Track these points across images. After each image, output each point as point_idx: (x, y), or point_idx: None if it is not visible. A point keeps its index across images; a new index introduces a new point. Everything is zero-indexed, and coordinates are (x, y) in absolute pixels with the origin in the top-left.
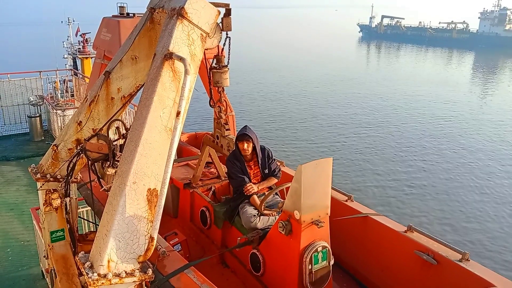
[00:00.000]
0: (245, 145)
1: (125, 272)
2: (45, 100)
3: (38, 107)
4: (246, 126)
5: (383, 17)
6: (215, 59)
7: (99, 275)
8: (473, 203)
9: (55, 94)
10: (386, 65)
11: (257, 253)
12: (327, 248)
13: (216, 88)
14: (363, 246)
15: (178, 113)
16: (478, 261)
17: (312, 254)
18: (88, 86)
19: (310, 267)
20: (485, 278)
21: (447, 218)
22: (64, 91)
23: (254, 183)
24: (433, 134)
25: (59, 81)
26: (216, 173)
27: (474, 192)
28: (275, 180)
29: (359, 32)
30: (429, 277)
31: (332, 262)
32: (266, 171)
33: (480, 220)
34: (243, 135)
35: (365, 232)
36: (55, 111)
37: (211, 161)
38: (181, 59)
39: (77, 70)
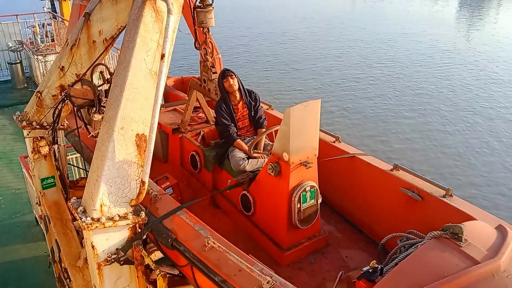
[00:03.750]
0: (231, 80)
1: (118, 215)
2: (24, 45)
3: (18, 53)
4: (224, 68)
5: None
6: None
7: (92, 219)
8: (459, 142)
9: (35, 39)
10: (373, 3)
11: (248, 194)
12: (315, 188)
13: (201, 29)
14: (350, 184)
15: (162, 56)
16: (461, 197)
17: (300, 194)
18: (68, 29)
19: (299, 206)
20: (467, 212)
21: (432, 157)
22: (44, 35)
23: (240, 127)
24: (420, 72)
25: (38, 25)
26: (205, 117)
27: (459, 130)
28: (263, 130)
29: None
30: (414, 213)
31: (320, 200)
32: (253, 113)
33: (465, 157)
34: (225, 71)
35: (352, 171)
36: (36, 57)
37: (199, 105)
38: None
39: (56, 13)
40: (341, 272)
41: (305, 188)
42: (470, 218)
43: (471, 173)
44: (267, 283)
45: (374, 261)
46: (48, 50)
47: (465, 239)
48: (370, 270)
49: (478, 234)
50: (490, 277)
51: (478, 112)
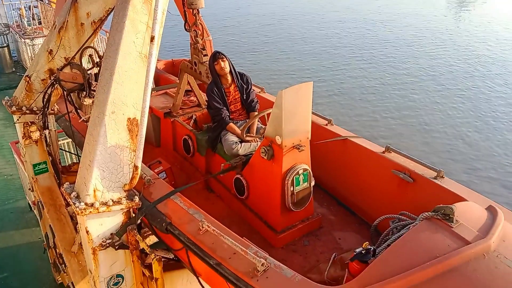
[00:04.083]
0: (222, 63)
1: (112, 200)
2: (11, 28)
3: (5, 36)
4: (214, 51)
5: None
6: None
7: (86, 204)
8: (449, 124)
9: (22, 22)
10: None
11: (241, 178)
12: (308, 171)
13: (191, 10)
14: (343, 167)
15: (152, 38)
16: (452, 178)
17: (293, 177)
18: (56, 12)
19: (292, 189)
20: (458, 193)
21: (423, 138)
22: (31, 18)
23: (232, 111)
24: (410, 53)
25: (24, 7)
26: (196, 101)
27: (449, 113)
28: (255, 113)
29: None
30: (406, 195)
31: (313, 183)
32: (245, 97)
33: (454, 139)
34: (215, 54)
35: (344, 154)
36: (23, 40)
37: (190, 89)
38: None
39: None
40: (334, 253)
41: (298, 171)
42: (461, 199)
43: (462, 155)
44: (262, 265)
45: (367, 242)
46: (35, 33)
47: (456, 220)
48: (363, 252)
49: (469, 215)
50: (480, 257)
51: (469, 95)
